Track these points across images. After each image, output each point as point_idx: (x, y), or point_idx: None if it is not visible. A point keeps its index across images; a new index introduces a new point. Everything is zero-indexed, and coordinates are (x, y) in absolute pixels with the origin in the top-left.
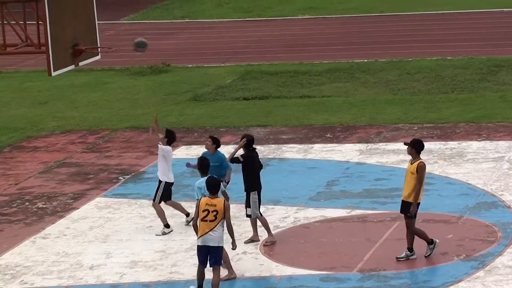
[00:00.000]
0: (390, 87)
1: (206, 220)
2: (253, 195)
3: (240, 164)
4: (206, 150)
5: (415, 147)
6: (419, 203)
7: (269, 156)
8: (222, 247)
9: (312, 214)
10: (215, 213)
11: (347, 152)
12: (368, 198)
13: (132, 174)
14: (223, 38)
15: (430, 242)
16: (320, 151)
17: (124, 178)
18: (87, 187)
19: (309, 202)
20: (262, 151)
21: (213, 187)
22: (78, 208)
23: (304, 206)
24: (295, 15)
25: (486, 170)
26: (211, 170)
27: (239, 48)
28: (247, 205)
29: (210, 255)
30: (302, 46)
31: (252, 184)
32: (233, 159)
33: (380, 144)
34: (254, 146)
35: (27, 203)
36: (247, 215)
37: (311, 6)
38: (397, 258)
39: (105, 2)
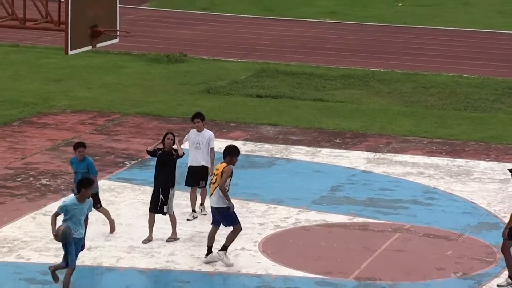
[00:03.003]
0: (403, 98)
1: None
2: (173, 191)
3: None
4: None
5: None
6: None
7: (277, 156)
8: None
9: (314, 217)
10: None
11: (355, 159)
12: (370, 207)
13: (139, 160)
14: (242, 34)
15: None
16: (328, 156)
17: (130, 163)
18: None
19: (311, 205)
20: (270, 149)
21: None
22: None
23: (306, 209)
24: (316, 18)
25: (491, 191)
26: (79, 176)
27: (257, 45)
28: (164, 202)
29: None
30: (321, 49)
31: (173, 179)
32: (152, 152)
33: (388, 154)
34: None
35: (31, 179)
36: (164, 213)
37: (333, 11)
38: (497, 285)
39: None
